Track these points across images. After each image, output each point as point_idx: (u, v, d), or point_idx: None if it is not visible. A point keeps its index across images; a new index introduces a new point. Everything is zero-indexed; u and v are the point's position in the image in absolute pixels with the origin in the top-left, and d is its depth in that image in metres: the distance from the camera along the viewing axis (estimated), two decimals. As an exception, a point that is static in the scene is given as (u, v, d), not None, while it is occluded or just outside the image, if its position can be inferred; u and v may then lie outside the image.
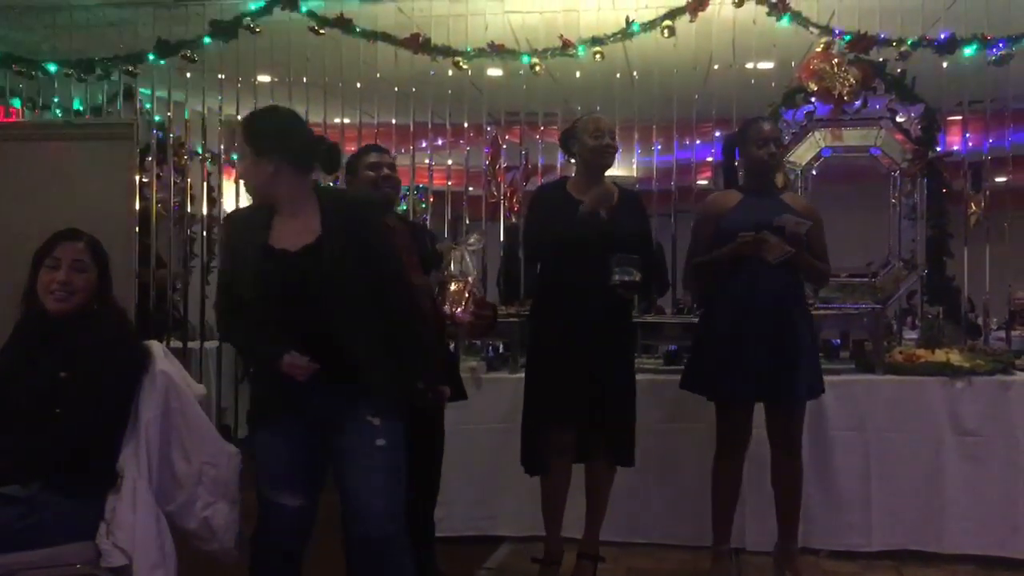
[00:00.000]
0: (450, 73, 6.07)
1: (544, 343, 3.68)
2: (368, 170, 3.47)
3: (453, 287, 3.44)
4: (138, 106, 6.52)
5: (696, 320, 4.09)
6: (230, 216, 3.14)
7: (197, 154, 6.81)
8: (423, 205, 7.41)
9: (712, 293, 3.79)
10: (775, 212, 3.62)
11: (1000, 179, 5.91)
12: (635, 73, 6.24)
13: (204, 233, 6.80)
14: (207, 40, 6.07)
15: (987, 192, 5.58)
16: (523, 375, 3.79)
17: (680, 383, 3.84)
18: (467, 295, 3.44)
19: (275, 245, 2.64)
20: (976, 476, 4.12)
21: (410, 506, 3.46)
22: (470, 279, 3.48)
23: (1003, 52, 5.27)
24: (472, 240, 3.64)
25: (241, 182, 2.49)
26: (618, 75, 6.16)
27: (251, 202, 2.84)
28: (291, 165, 2.67)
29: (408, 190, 7.16)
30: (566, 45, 5.80)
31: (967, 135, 5.69)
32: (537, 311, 3.83)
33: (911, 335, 5.32)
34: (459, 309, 3.41)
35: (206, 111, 6.50)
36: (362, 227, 2.70)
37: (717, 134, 6.15)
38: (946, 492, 4.13)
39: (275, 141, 2.66)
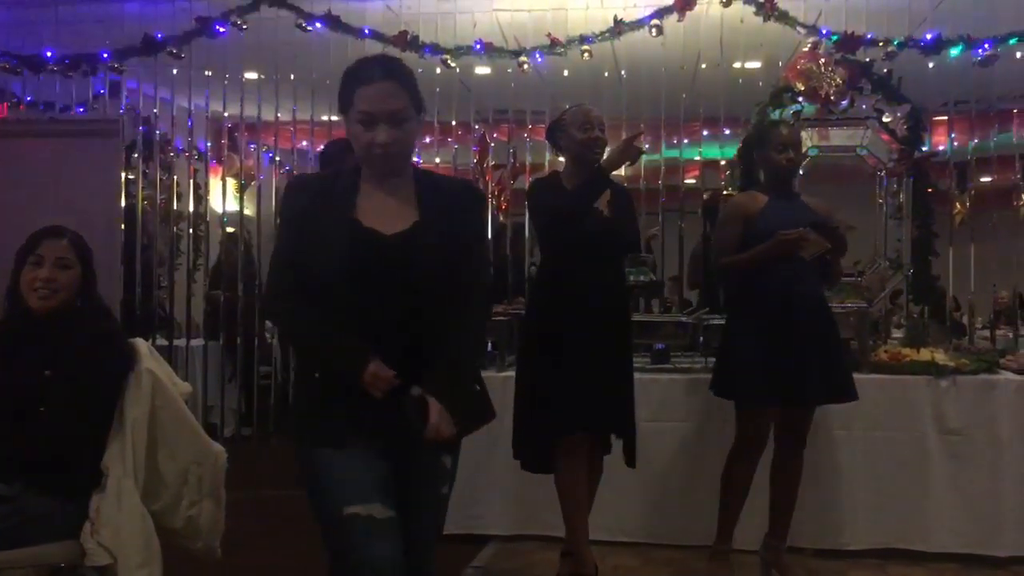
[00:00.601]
0: (438, 71, 6.06)
1: (552, 343, 3.52)
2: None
3: None
4: (124, 103, 6.49)
5: (724, 322, 4.01)
6: (302, 180, 2.53)
7: (183, 151, 6.79)
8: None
9: (742, 295, 3.78)
10: (803, 213, 3.65)
11: (985, 179, 5.96)
12: (623, 72, 6.25)
13: (190, 231, 6.78)
14: (194, 36, 6.05)
15: (972, 192, 5.62)
16: (514, 373, 3.73)
17: (716, 390, 3.80)
18: None
19: (364, 223, 2.16)
20: (960, 475, 4.13)
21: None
22: None
23: (988, 53, 5.31)
24: None
25: (392, 146, 2.11)
26: (606, 74, 6.17)
27: (312, 177, 2.45)
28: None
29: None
30: (554, 43, 5.81)
31: (952, 135, 5.73)
32: (540, 310, 3.68)
33: (897, 334, 5.34)
34: None
35: (192, 108, 6.47)
36: (465, 222, 2.25)
37: (705, 133, 6.17)
38: (931, 491, 4.15)
39: (421, 100, 2.27)
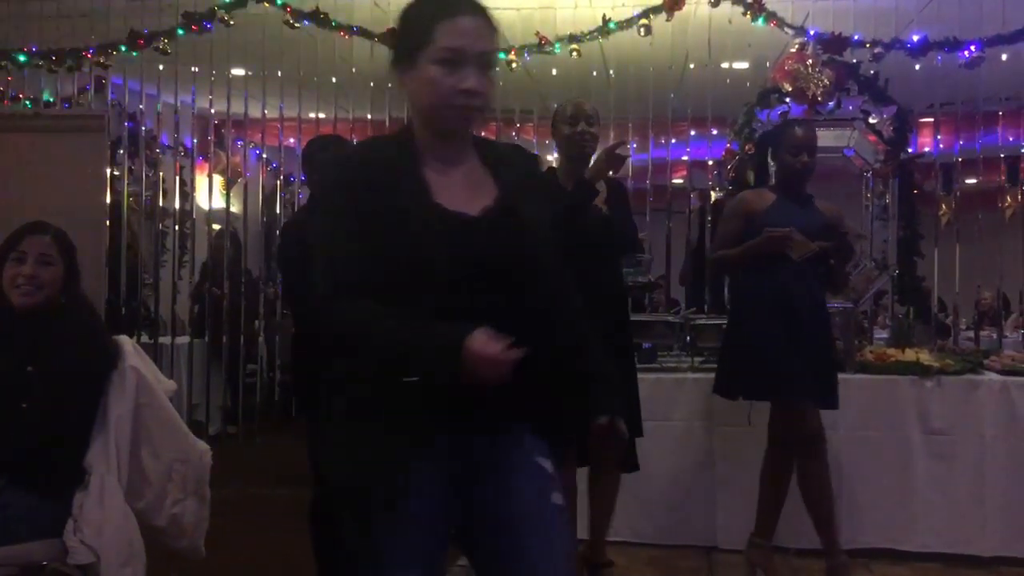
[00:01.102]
0: (426, 69, 6.04)
1: None
2: None
3: None
4: (109, 98, 6.45)
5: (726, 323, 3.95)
6: (357, 155, 2.01)
7: (169, 147, 6.76)
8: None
9: (747, 294, 3.73)
10: (811, 216, 3.62)
11: (970, 181, 5.99)
12: (611, 71, 6.26)
13: (176, 227, 6.75)
14: (180, 32, 6.01)
15: (957, 193, 5.65)
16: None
17: (745, 393, 3.73)
18: None
19: (447, 205, 1.75)
20: (945, 474, 4.15)
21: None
22: None
23: (974, 55, 5.33)
24: None
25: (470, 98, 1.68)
26: (594, 73, 6.18)
27: (376, 146, 2.01)
28: None
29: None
30: (543, 42, 5.81)
31: (938, 137, 5.75)
32: None
33: (882, 334, 5.37)
34: None
35: (179, 104, 6.44)
36: (544, 195, 1.96)
37: (692, 133, 6.18)
38: (915, 490, 4.16)
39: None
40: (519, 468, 1.76)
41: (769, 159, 3.80)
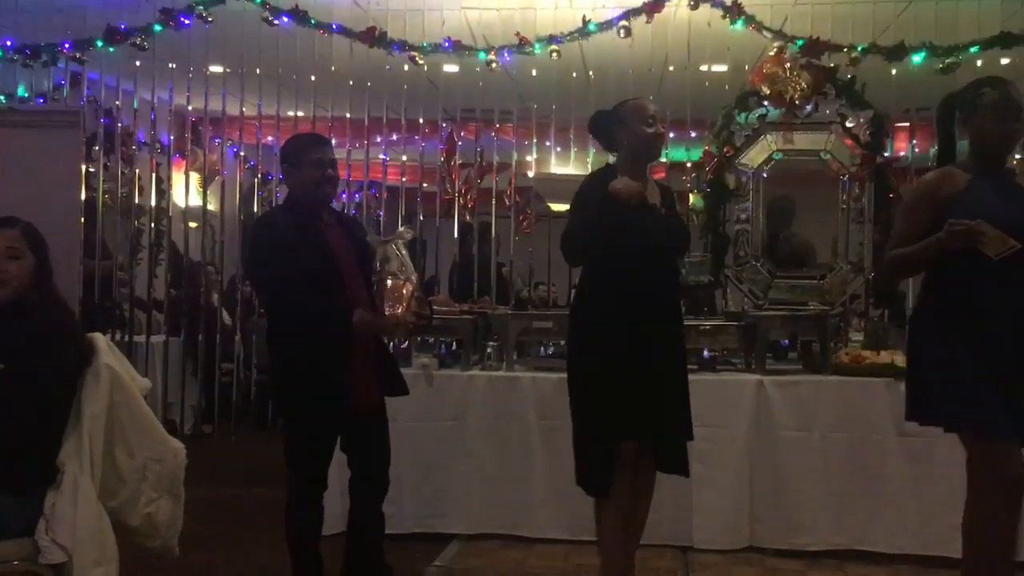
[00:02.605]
0: (406, 68, 6.04)
1: (606, 350, 3.27)
2: (312, 168, 3.35)
3: (390, 283, 3.25)
4: (85, 94, 6.39)
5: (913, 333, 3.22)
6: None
7: (145, 144, 6.70)
8: (377, 200, 7.37)
9: (930, 299, 3.12)
10: (1019, 196, 3.02)
11: (945, 185, 6.04)
12: (591, 72, 6.27)
13: (152, 225, 6.70)
14: (157, 28, 5.97)
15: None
16: (478, 372, 3.66)
17: (944, 421, 3.06)
18: (410, 296, 3.25)
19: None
20: (918, 476, 4.18)
21: (360, 501, 3.44)
22: (412, 278, 3.29)
23: (950, 60, 5.38)
24: (401, 231, 3.46)
25: None
26: (574, 74, 6.18)
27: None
28: None
29: (362, 185, 7.13)
30: (523, 43, 5.81)
31: (914, 141, 5.80)
32: (588, 315, 3.38)
33: (857, 336, 5.41)
34: (399, 308, 3.24)
35: (156, 100, 6.39)
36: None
37: (671, 135, 6.19)
38: (889, 492, 4.20)
39: None
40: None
41: (956, 129, 3.14)
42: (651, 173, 3.56)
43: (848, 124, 5.20)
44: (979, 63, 5.50)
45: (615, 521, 3.32)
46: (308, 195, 3.39)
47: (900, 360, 4.35)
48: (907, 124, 5.81)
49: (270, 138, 6.88)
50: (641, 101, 3.50)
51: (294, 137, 3.79)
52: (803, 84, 5.17)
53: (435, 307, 4.61)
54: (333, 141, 6.32)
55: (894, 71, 5.51)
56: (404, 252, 3.32)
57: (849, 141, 5.21)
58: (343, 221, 3.61)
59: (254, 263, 3.57)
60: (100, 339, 2.72)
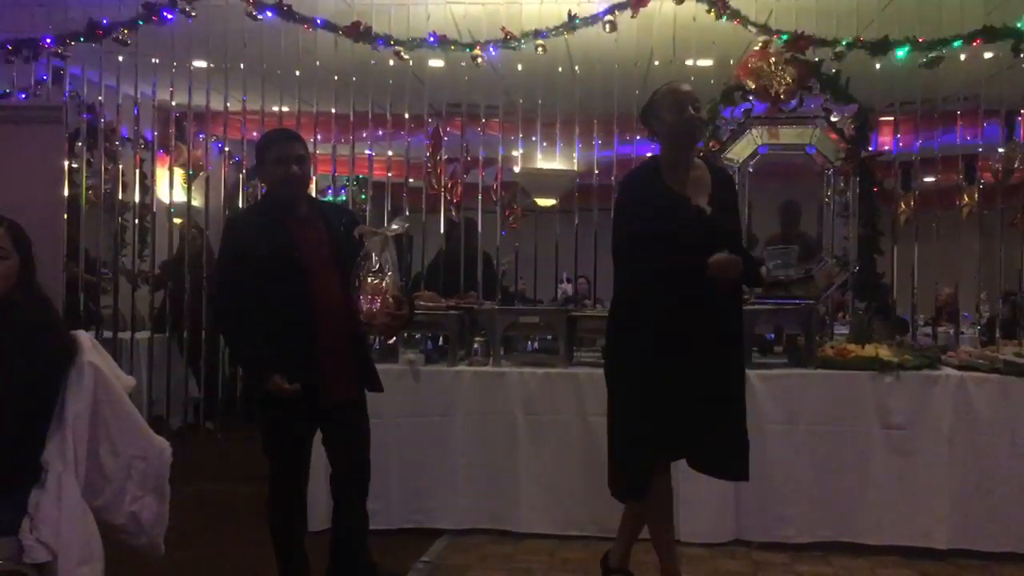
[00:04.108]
0: (391, 63, 6.02)
1: (654, 354, 3.23)
2: (275, 164, 3.28)
3: (371, 280, 3.17)
4: (67, 89, 6.34)
5: None
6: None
7: (129, 140, 6.66)
8: (363, 196, 7.34)
9: None
10: None
11: (929, 179, 6.08)
12: (576, 67, 6.26)
13: (136, 221, 6.65)
14: (140, 22, 5.93)
15: (916, 192, 5.73)
16: (465, 367, 3.66)
17: None
18: (384, 295, 3.17)
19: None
20: (902, 469, 4.21)
21: (341, 497, 3.42)
22: (390, 276, 3.19)
23: (933, 54, 5.40)
24: (395, 225, 3.42)
25: None
26: (560, 69, 6.18)
27: None
28: None
29: (347, 180, 7.10)
30: (508, 37, 5.80)
31: (898, 136, 5.83)
32: (637, 316, 3.29)
33: (842, 330, 5.43)
34: (375, 307, 3.17)
35: (139, 96, 6.34)
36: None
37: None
38: (874, 484, 4.22)
39: None
40: None
41: None
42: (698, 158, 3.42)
43: (833, 118, 5.23)
44: (962, 57, 5.53)
45: (659, 519, 3.44)
46: (275, 192, 3.35)
47: (885, 353, 4.38)
48: (891, 118, 5.83)
49: (255, 133, 6.83)
50: (673, 84, 3.38)
51: (263, 134, 3.70)
52: (788, 79, 5.19)
53: (421, 303, 4.61)
54: (318, 137, 6.33)
55: (878, 65, 5.52)
56: (389, 247, 3.24)
57: (834, 135, 5.23)
58: (324, 211, 3.48)
59: (216, 270, 3.58)
60: (84, 337, 2.71)
